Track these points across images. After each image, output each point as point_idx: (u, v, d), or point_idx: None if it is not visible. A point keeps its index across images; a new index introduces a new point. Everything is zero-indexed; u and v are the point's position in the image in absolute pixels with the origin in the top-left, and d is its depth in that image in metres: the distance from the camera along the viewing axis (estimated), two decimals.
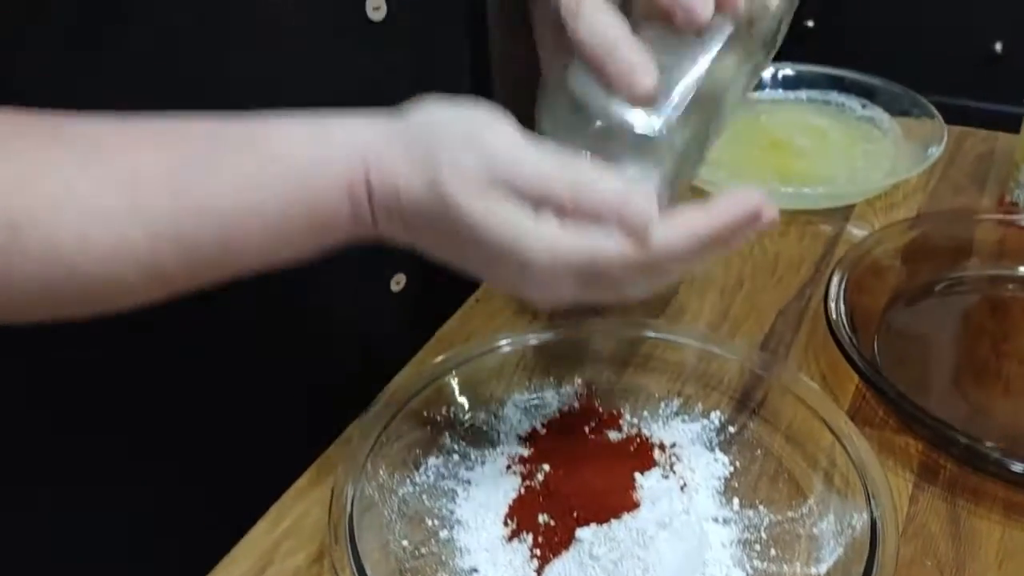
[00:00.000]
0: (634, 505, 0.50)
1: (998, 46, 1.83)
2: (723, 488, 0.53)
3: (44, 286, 0.42)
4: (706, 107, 0.47)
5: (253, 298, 0.58)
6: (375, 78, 0.57)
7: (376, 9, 0.55)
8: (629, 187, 0.41)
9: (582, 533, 0.48)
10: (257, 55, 0.52)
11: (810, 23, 1.95)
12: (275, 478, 0.56)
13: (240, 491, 0.55)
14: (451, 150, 0.41)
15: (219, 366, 0.60)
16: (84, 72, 0.49)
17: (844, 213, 0.80)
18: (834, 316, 0.62)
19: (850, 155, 0.86)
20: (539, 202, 0.41)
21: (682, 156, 0.46)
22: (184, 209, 0.42)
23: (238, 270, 0.45)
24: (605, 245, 0.41)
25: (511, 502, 0.52)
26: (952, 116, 0.88)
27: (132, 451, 0.62)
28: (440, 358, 0.59)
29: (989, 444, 0.53)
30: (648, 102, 0.45)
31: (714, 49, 0.46)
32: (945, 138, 0.82)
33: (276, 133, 0.44)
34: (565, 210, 0.40)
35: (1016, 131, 0.78)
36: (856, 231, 0.78)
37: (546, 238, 0.41)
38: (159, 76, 0.50)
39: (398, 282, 0.67)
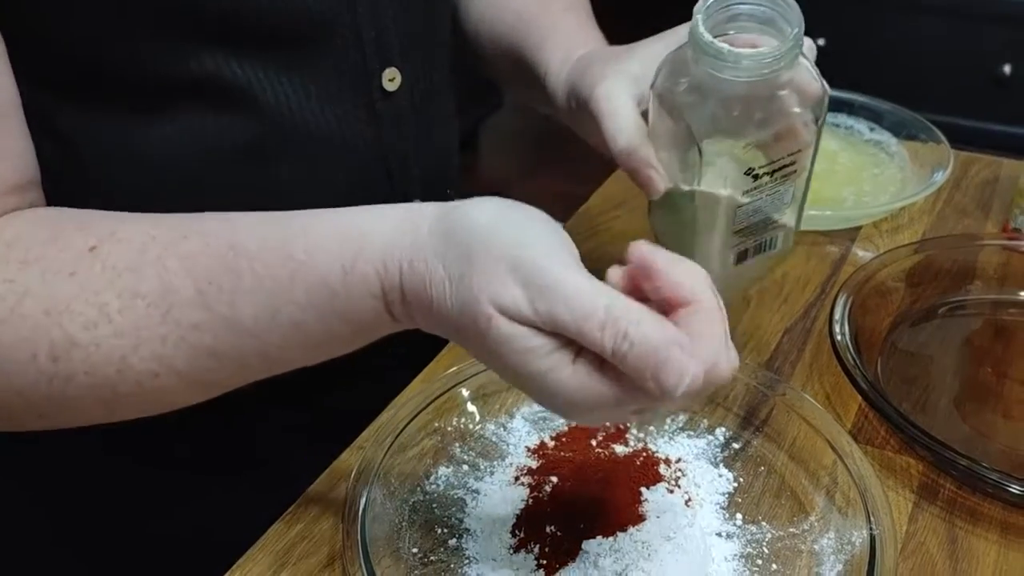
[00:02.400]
0: (640, 519, 0.51)
1: (1007, 68, 1.85)
2: (727, 503, 0.55)
3: (97, 403, 0.43)
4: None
5: None
6: (387, 142, 0.59)
7: (391, 80, 0.58)
8: (668, 347, 0.37)
9: (588, 545, 0.49)
10: (294, 148, 0.55)
11: (821, 42, 1.96)
12: (276, 505, 0.56)
13: (245, 517, 0.56)
14: (489, 270, 0.38)
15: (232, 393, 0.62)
16: (135, 136, 0.52)
17: (850, 235, 0.81)
18: (839, 337, 0.63)
19: (858, 178, 0.87)
20: (578, 344, 0.38)
21: None
22: (218, 326, 0.42)
23: (289, 368, 0.45)
24: (637, 395, 0.38)
25: (519, 513, 0.53)
26: (960, 137, 0.90)
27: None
28: (452, 369, 0.60)
29: (988, 466, 0.54)
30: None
31: None
32: (951, 163, 0.83)
33: (303, 242, 0.42)
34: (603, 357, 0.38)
35: (1021, 156, 0.79)
36: (862, 253, 0.79)
37: (580, 384, 0.38)
38: (198, 140, 0.53)
39: None
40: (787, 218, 0.56)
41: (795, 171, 0.53)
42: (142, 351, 0.42)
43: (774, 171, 0.52)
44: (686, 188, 0.54)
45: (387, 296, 0.41)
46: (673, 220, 0.58)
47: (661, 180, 0.54)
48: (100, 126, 0.51)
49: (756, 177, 0.52)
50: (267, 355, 0.43)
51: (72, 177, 0.52)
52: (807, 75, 0.51)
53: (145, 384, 0.43)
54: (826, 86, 0.52)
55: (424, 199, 0.62)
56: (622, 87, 0.55)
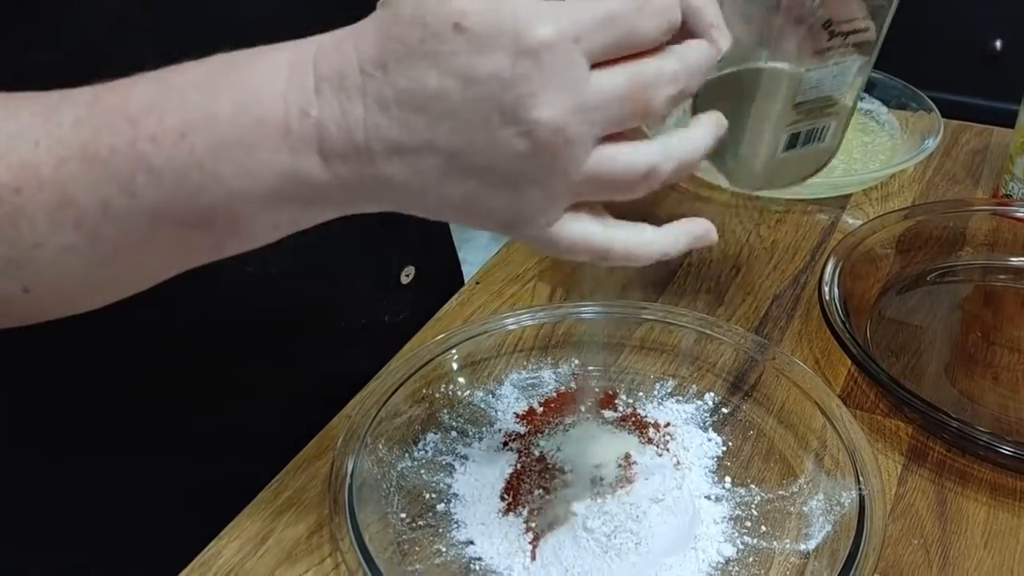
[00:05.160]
0: (628, 481, 0.51)
1: (998, 44, 1.84)
2: (715, 467, 0.54)
3: None
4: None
5: (260, 292, 0.59)
6: None
7: None
8: None
9: (577, 507, 0.49)
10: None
11: None
12: (264, 473, 0.56)
13: (244, 481, 0.55)
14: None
15: (224, 357, 0.61)
16: None
17: (840, 203, 0.81)
18: (827, 299, 0.62)
19: (848, 146, 0.87)
20: None
21: None
22: (95, 133, 0.37)
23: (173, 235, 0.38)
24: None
25: (507, 477, 0.53)
26: (951, 113, 0.89)
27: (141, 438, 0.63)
28: (439, 336, 0.60)
29: (981, 427, 0.54)
30: None
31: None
32: (941, 130, 0.83)
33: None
34: None
35: (1012, 127, 0.79)
36: (852, 220, 0.79)
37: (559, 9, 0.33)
38: None
39: (407, 274, 0.67)
40: (845, 100, 0.54)
41: (867, 40, 0.51)
42: (13, 145, 0.37)
43: (847, 33, 0.50)
44: (754, 58, 0.51)
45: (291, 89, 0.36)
46: (719, 96, 0.52)
47: (725, 39, 0.44)
48: None
49: (832, 34, 0.50)
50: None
51: None
52: None
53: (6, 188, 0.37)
54: None
55: None
56: None
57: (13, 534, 0.64)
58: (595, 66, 0.34)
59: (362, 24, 0.36)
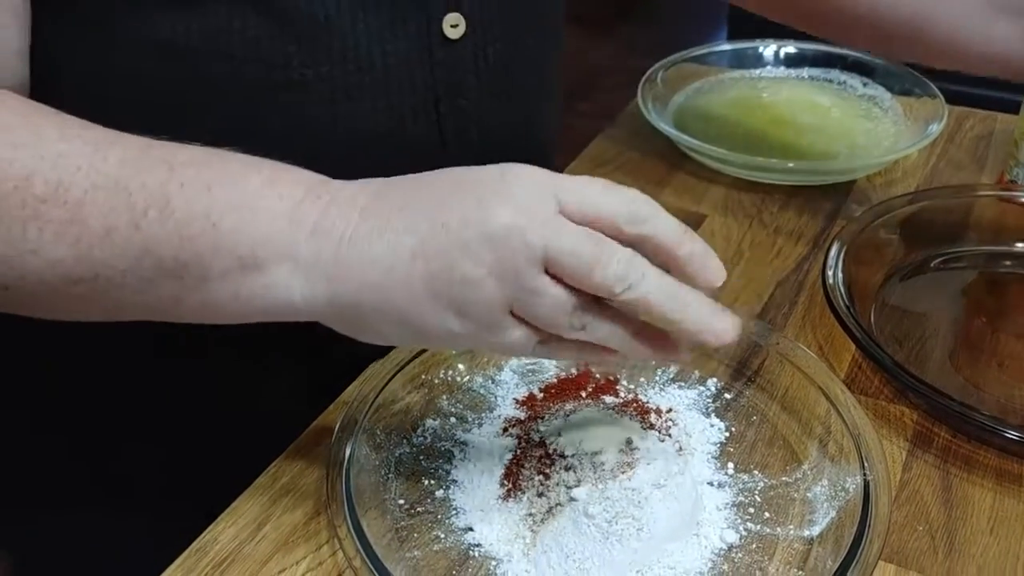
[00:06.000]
0: (629, 466, 0.50)
1: None
2: (718, 453, 0.54)
3: None
4: None
5: None
6: (449, 96, 0.55)
7: (454, 27, 0.52)
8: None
9: (577, 493, 0.49)
10: (326, 71, 0.51)
11: None
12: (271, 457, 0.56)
13: (237, 470, 0.55)
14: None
15: (224, 361, 0.61)
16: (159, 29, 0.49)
17: (844, 189, 0.80)
18: (831, 285, 0.62)
19: (851, 132, 0.86)
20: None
21: None
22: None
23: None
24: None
25: (507, 463, 0.52)
26: (954, 102, 0.89)
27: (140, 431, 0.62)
28: None
29: (984, 412, 0.54)
30: None
31: None
32: (945, 116, 0.82)
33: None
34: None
35: (1017, 115, 0.78)
36: (856, 207, 0.78)
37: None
38: (228, 78, 0.50)
39: None
40: None
41: None
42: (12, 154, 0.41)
43: None
44: None
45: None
46: None
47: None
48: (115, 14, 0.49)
49: None
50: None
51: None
52: None
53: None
54: None
55: None
56: None
57: (16, 524, 0.64)
58: None
59: None
